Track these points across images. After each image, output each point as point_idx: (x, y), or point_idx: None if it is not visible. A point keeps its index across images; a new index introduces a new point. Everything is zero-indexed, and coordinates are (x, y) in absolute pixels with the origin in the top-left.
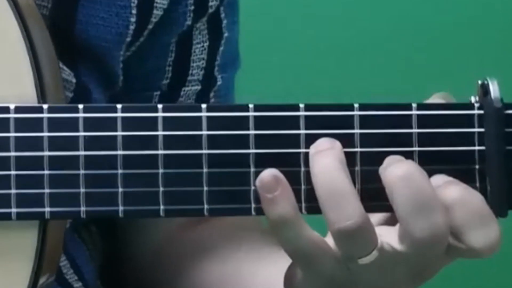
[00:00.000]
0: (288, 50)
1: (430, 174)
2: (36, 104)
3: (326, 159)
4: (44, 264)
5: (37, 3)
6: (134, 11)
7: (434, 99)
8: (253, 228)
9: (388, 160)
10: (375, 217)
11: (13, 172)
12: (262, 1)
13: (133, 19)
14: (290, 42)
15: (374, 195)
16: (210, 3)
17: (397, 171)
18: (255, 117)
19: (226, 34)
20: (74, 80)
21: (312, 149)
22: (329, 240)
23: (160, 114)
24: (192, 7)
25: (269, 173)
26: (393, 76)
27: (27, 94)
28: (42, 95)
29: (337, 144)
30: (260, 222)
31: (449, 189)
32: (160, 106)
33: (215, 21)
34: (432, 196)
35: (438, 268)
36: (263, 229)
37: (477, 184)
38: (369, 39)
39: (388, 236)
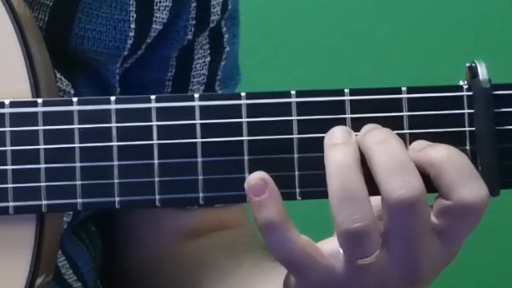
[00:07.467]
0: (288, 51)
1: None
2: (31, 99)
3: (342, 156)
4: (42, 260)
5: (33, 15)
6: (132, 26)
7: None
8: (252, 243)
9: (365, 128)
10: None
11: (9, 167)
12: (262, 2)
13: (131, 34)
14: (290, 43)
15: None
16: (212, 18)
17: (375, 137)
18: (247, 105)
19: (227, 49)
20: (72, 91)
21: (328, 139)
22: (327, 244)
23: (153, 104)
24: (194, 22)
25: (256, 176)
26: (393, 76)
27: (22, 91)
28: (36, 92)
29: (353, 138)
30: (256, 237)
31: (437, 148)
32: (153, 97)
33: (217, 35)
34: (407, 158)
35: (430, 265)
36: (262, 244)
37: None
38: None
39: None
